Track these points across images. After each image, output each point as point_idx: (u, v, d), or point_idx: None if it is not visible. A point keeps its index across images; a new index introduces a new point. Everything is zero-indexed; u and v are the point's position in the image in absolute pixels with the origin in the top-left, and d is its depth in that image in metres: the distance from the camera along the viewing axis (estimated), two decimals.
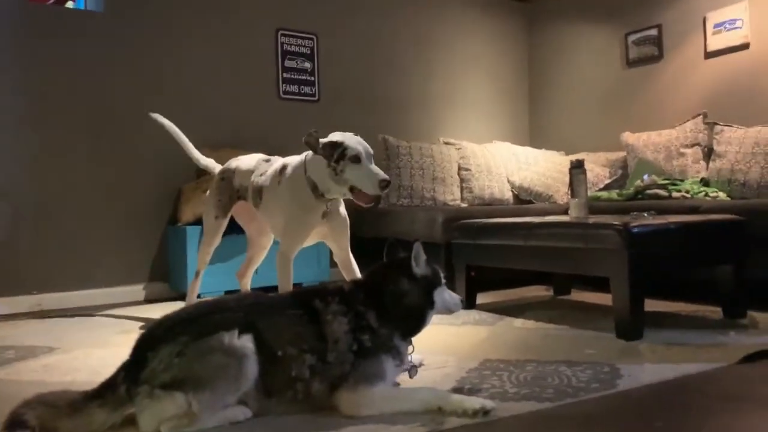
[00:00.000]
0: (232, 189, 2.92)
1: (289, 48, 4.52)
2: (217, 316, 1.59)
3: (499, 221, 3.08)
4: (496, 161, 4.81)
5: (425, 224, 3.73)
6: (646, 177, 4.04)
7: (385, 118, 4.93)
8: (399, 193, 4.34)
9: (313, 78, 4.63)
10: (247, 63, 4.37)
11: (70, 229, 3.73)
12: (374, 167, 2.40)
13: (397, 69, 5.07)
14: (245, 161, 2.94)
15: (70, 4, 4.01)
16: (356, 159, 2.37)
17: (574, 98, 5.43)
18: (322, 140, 2.42)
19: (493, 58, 5.63)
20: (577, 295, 3.53)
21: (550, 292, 3.65)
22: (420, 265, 1.82)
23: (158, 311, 3.38)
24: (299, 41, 4.57)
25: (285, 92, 4.51)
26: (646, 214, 2.91)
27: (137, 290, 3.90)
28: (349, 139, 2.41)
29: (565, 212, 3.96)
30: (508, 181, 4.81)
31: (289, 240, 2.56)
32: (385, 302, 1.75)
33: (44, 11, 3.80)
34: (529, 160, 4.96)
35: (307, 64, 4.60)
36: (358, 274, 2.55)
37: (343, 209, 2.63)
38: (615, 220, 2.57)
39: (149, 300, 3.86)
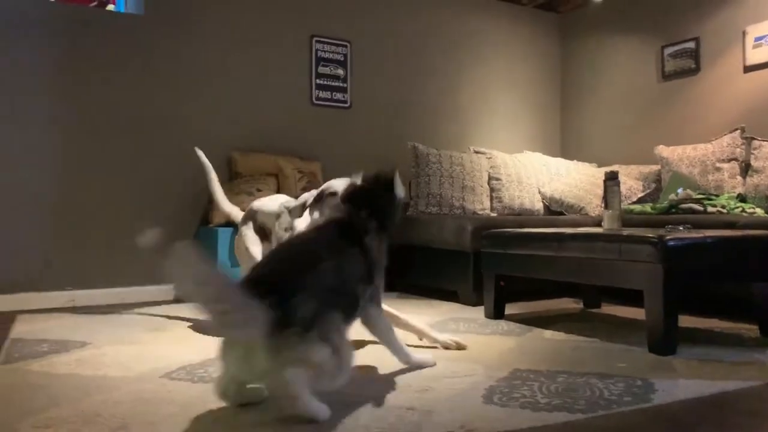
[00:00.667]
0: (257, 227, 2.88)
1: (323, 54, 4.56)
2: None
3: (531, 231, 3.05)
4: (527, 171, 4.78)
5: (454, 232, 3.71)
6: (680, 191, 3.98)
7: (415, 125, 4.93)
8: (428, 201, 4.33)
9: (345, 85, 4.66)
10: (281, 69, 4.42)
11: (104, 228, 3.80)
12: None
13: (429, 77, 5.08)
14: (267, 204, 2.89)
15: (111, 7, 4.09)
16: None
17: (607, 110, 5.38)
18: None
19: (524, 68, 5.61)
20: (607, 309, 3.48)
21: (580, 305, 3.60)
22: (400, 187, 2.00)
23: (186, 310, 3.42)
24: (333, 48, 4.61)
25: (318, 98, 4.55)
26: (681, 228, 2.86)
27: (167, 289, 3.95)
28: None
29: (597, 224, 3.92)
30: (539, 192, 4.77)
31: None
32: (385, 222, 1.95)
33: (85, 13, 3.89)
34: (560, 171, 4.92)
35: (340, 71, 4.63)
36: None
37: None
38: (650, 232, 2.53)
39: (179, 299, 3.90)
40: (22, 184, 3.59)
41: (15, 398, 1.82)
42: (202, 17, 4.14)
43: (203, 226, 4.00)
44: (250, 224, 2.88)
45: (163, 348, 2.48)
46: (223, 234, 3.72)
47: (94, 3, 4.00)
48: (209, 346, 2.38)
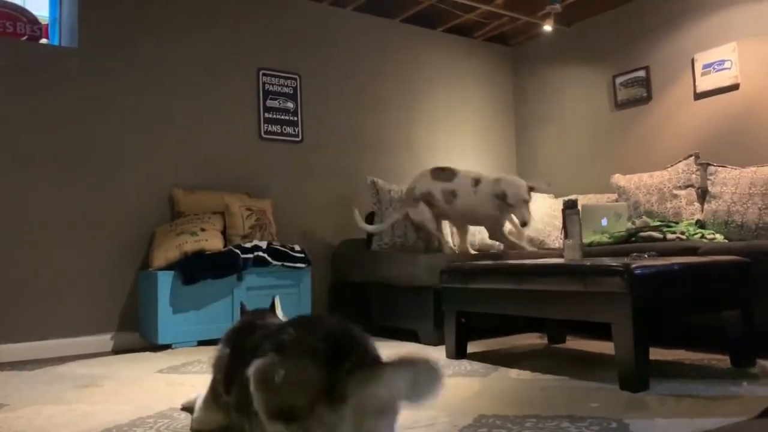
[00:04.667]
0: None
1: (270, 88, 4.41)
2: None
3: (491, 263, 2.92)
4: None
5: (413, 268, 3.55)
6: (604, 221, 3.87)
7: (370, 159, 4.79)
8: (391, 236, 4.14)
9: (296, 118, 4.50)
10: (226, 102, 4.24)
11: (34, 274, 3.49)
12: None
13: (382, 109, 4.97)
14: None
15: (44, 41, 3.87)
16: None
17: (562, 141, 5.34)
18: None
19: (478, 100, 5.56)
20: (573, 343, 3.34)
21: (544, 340, 3.45)
22: None
23: (126, 362, 3.15)
24: (282, 81, 4.46)
25: (267, 132, 4.37)
26: (646, 255, 2.75)
27: (105, 340, 3.65)
28: None
29: (558, 256, 3.81)
30: None
31: None
32: None
33: (16, 46, 3.66)
34: None
35: (290, 104, 4.48)
36: None
37: None
38: (614, 262, 2.41)
39: (117, 351, 3.61)
40: None
41: None
42: (141, 49, 3.94)
43: (142, 270, 3.74)
44: None
45: (89, 408, 2.22)
46: (164, 278, 3.46)
47: (26, 36, 3.77)
48: (139, 402, 2.14)
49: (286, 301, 2.99)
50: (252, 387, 1.29)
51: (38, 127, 3.59)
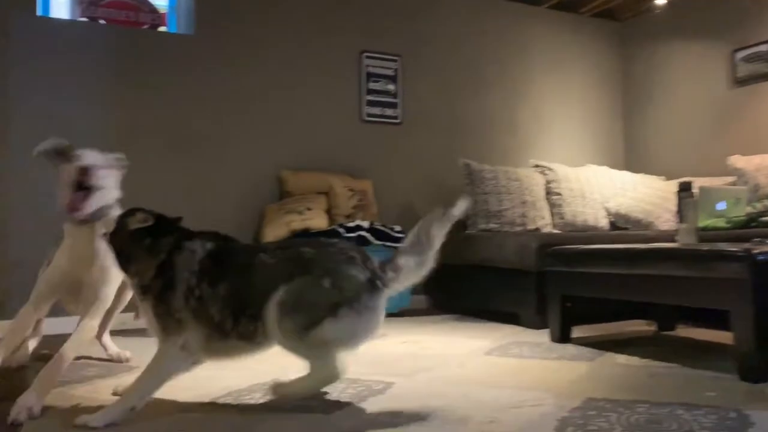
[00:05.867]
0: None
1: (372, 70, 4.47)
2: None
3: (602, 247, 2.83)
4: (591, 186, 4.53)
5: (516, 250, 3.51)
6: (722, 205, 3.62)
7: (470, 140, 4.77)
8: (487, 218, 4.12)
9: (396, 100, 4.55)
10: (330, 85, 4.35)
11: None
12: None
13: (484, 90, 4.92)
14: None
15: (162, 29, 4.12)
16: None
17: (673, 120, 5.09)
18: None
19: (584, 79, 5.39)
20: (684, 331, 3.20)
21: (653, 327, 3.33)
22: None
23: None
24: (383, 63, 4.51)
25: (368, 115, 4.45)
26: None
27: None
28: None
29: (668, 240, 3.65)
30: (604, 207, 4.52)
31: None
32: None
33: (138, 34, 3.92)
34: (626, 186, 4.65)
35: (391, 86, 4.53)
36: None
37: None
38: (734, 246, 2.29)
39: None
40: None
41: (57, 425, 1.74)
42: (252, 36, 4.12)
43: None
44: None
45: (210, 372, 2.37)
46: None
47: (146, 25, 4.03)
48: (256, 368, 2.27)
49: None
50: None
51: (161, 111, 3.84)
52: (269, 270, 1.79)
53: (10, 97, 3.50)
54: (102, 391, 2.11)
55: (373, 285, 1.78)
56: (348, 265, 1.79)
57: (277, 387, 1.84)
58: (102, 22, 3.90)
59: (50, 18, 3.76)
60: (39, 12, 3.68)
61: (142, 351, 2.81)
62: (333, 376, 1.78)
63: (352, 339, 1.77)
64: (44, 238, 3.51)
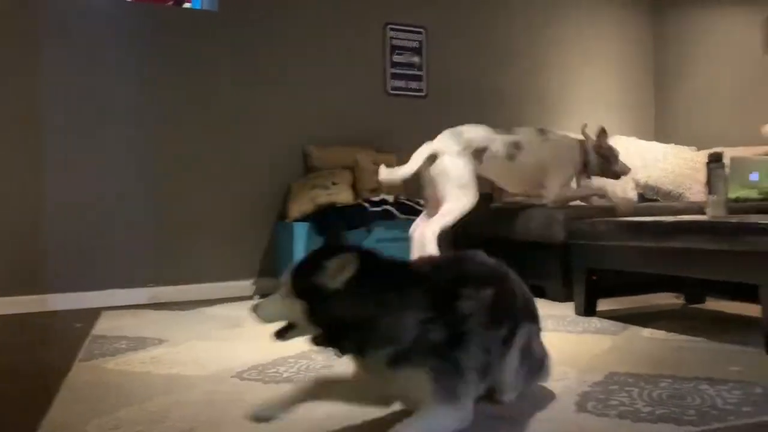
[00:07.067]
0: None
1: (397, 42, 4.43)
2: None
3: (628, 220, 2.80)
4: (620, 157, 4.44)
5: (542, 223, 3.49)
6: (754, 176, 3.52)
7: (496, 112, 4.69)
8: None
9: (421, 73, 4.51)
10: (354, 58, 4.32)
11: (184, 225, 3.82)
12: None
13: (508, 62, 4.84)
14: None
15: (187, 5, 4.13)
16: None
17: (706, 89, 4.96)
18: None
19: (613, 46, 5.26)
20: (713, 304, 3.17)
21: (680, 300, 3.30)
22: None
23: None
24: (408, 35, 4.46)
25: (393, 88, 4.42)
26: None
27: (247, 285, 3.95)
28: None
29: (697, 212, 3.59)
30: (632, 179, 4.44)
31: None
32: None
33: (162, 11, 3.94)
34: (657, 156, 4.56)
35: (416, 59, 4.49)
36: None
37: None
38: (763, 218, 2.24)
39: (258, 294, 3.89)
40: (109, 183, 3.67)
41: (88, 397, 1.80)
42: (275, 11, 4.10)
43: (280, 221, 3.97)
44: None
45: (236, 346, 2.43)
46: (299, 229, 3.66)
47: (171, 2, 4.05)
48: (281, 343, 2.31)
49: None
50: None
51: (184, 89, 3.86)
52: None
53: (41, 74, 3.56)
54: (134, 363, 2.17)
55: None
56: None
57: None
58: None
59: None
60: None
61: (167, 325, 2.90)
62: None
63: None
64: (78, 214, 3.63)
